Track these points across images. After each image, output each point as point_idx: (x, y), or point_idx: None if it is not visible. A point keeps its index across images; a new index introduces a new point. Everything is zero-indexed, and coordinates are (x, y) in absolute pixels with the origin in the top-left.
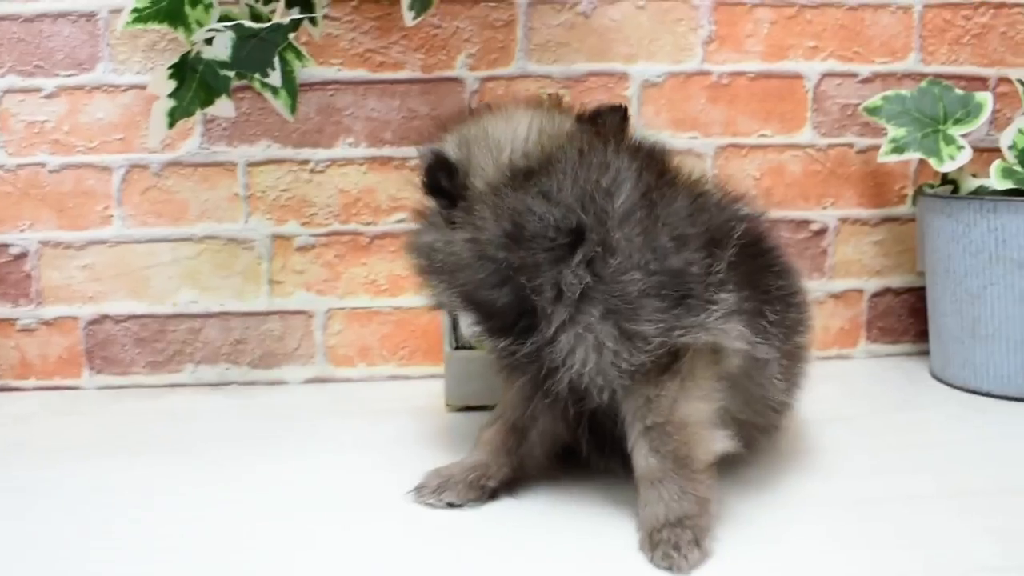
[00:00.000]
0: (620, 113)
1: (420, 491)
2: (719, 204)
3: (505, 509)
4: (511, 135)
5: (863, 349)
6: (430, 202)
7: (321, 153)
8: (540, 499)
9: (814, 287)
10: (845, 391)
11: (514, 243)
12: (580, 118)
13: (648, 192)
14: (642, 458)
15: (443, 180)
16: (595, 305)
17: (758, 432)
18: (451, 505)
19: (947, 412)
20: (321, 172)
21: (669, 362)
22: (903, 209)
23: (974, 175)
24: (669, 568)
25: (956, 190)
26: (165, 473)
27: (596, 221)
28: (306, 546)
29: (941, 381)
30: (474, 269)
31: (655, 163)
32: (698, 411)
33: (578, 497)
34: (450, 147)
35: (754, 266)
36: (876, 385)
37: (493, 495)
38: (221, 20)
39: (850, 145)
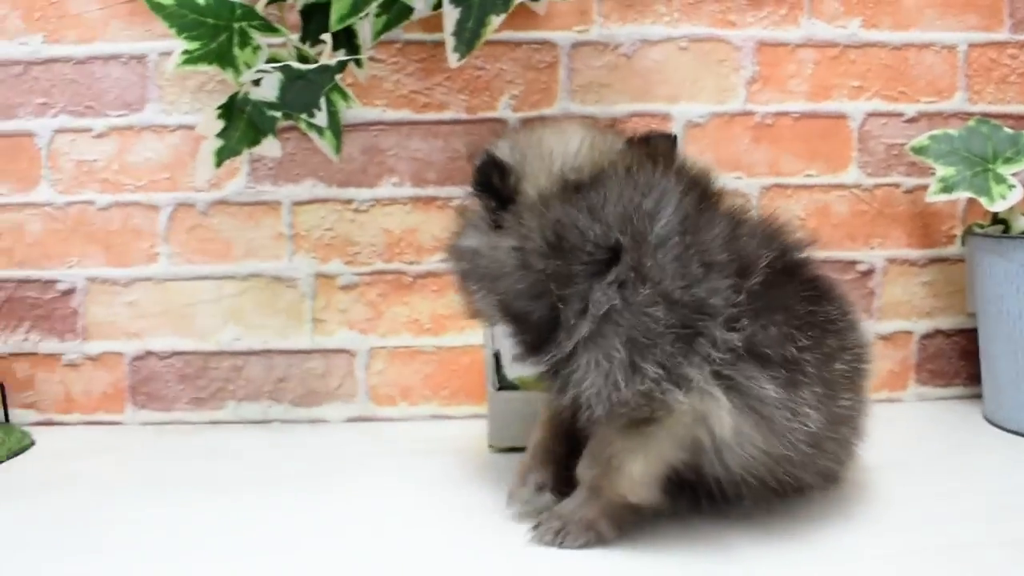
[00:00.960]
0: (670, 140)
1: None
2: (756, 232)
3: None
4: (563, 146)
5: (913, 392)
6: (476, 203)
7: (365, 193)
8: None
9: None
10: (894, 436)
11: (553, 253)
12: (631, 141)
13: (686, 218)
14: (581, 467)
15: (495, 178)
16: (617, 331)
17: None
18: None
19: (1000, 457)
20: (365, 212)
21: (644, 419)
22: (952, 249)
23: None
24: (531, 533)
25: (1007, 230)
26: (205, 510)
27: (633, 243)
28: None
29: (994, 425)
30: (515, 278)
31: (699, 187)
32: (637, 469)
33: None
34: (503, 150)
35: (783, 293)
36: (926, 429)
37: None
38: (269, 62)
39: (896, 185)
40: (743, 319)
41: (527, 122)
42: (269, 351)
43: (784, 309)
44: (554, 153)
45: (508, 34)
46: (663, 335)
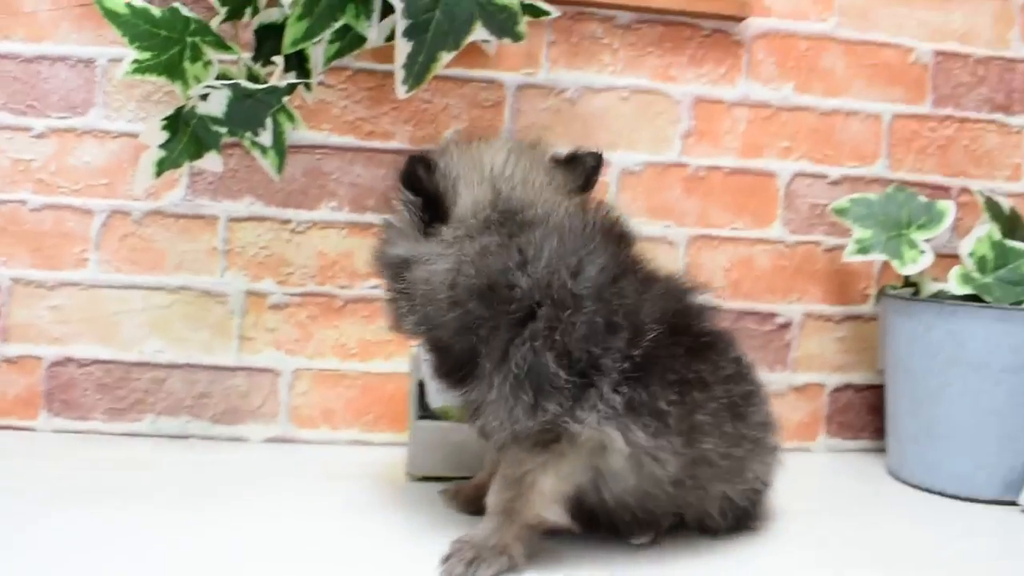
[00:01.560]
0: (595, 158)
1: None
2: (661, 291)
3: None
4: (492, 154)
5: (822, 443)
6: (404, 203)
7: (303, 214)
8: None
9: (776, 379)
10: (802, 484)
11: (483, 298)
12: (556, 160)
13: (603, 285)
14: (491, 493)
15: (421, 173)
16: (528, 380)
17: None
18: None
19: (900, 511)
20: (302, 233)
21: (551, 439)
22: (866, 308)
23: (935, 279)
24: (441, 566)
25: (917, 292)
26: (112, 521)
27: (552, 304)
28: None
29: (897, 479)
30: (446, 311)
31: (621, 247)
32: (548, 485)
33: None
34: (431, 152)
35: (664, 354)
36: (832, 480)
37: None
38: (219, 78)
39: (817, 243)
40: (624, 384)
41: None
42: (192, 365)
43: (660, 371)
44: (484, 159)
45: (457, 71)
46: (564, 387)
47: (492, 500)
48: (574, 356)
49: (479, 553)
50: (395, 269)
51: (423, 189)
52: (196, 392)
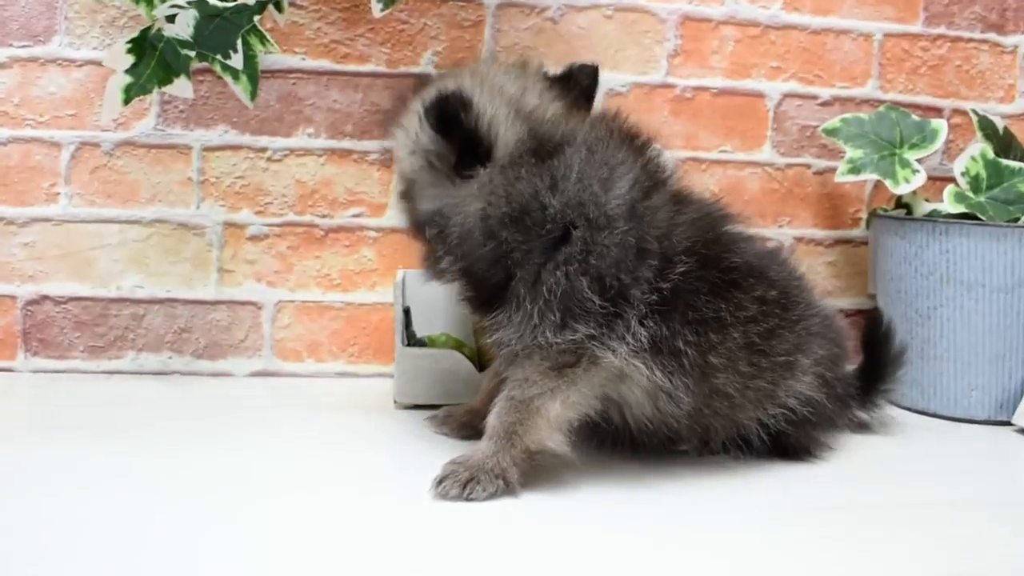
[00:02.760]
0: (591, 72)
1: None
2: (695, 216)
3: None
4: (512, 85)
5: None
6: (424, 159)
7: (279, 142)
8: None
9: None
10: None
11: (516, 225)
12: (552, 79)
13: (635, 202)
14: (493, 416)
15: (461, 113)
16: (557, 303)
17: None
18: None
19: (893, 430)
20: (278, 161)
21: (569, 361)
22: (857, 232)
23: (927, 200)
24: (434, 489)
25: (909, 214)
26: (98, 454)
27: (586, 223)
28: (236, 533)
29: (889, 401)
30: (480, 244)
31: (649, 163)
32: (554, 411)
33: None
34: (462, 84)
35: (690, 290)
36: None
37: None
38: None
39: (808, 166)
40: (650, 318)
41: (405, 95)
42: (172, 300)
43: (683, 308)
44: (507, 89)
45: None
46: (596, 312)
47: (493, 422)
48: (607, 282)
49: (474, 475)
50: (429, 222)
51: (461, 132)
52: (177, 327)
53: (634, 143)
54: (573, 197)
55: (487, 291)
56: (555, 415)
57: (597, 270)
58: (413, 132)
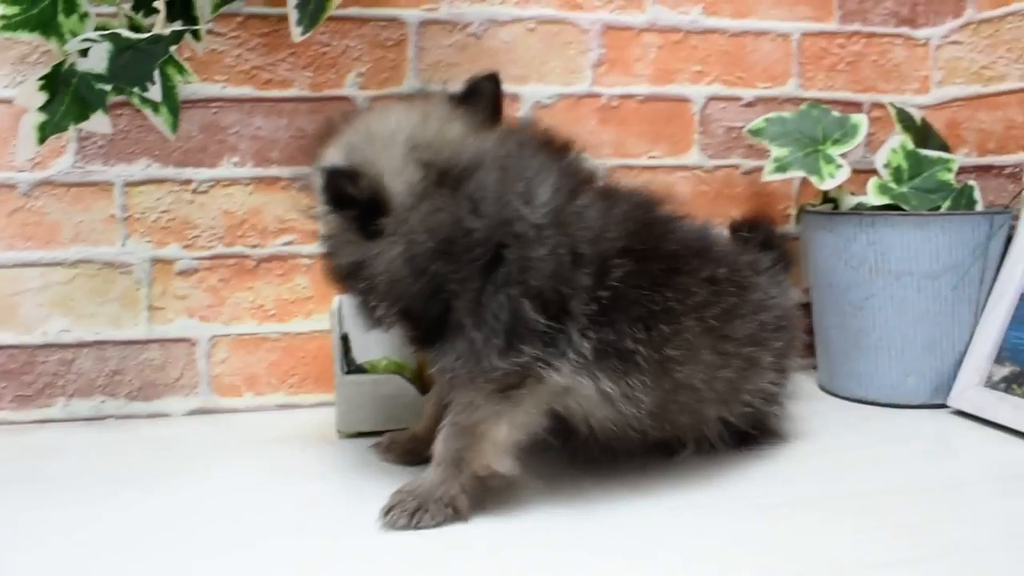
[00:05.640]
0: (493, 81)
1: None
2: (624, 208)
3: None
4: (398, 128)
5: None
6: (335, 220)
7: (204, 173)
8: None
9: None
10: None
11: (444, 256)
12: (456, 99)
13: (561, 207)
14: (439, 442)
15: (348, 188)
16: (506, 324)
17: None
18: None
19: (833, 422)
20: (204, 193)
21: (513, 382)
22: (787, 228)
23: (852, 193)
24: (382, 519)
25: (836, 208)
26: (34, 508)
27: (515, 240)
28: None
29: (829, 393)
30: (411, 283)
31: (568, 160)
32: (501, 434)
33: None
34: (338, 156)
35: (631, 288)
36: None
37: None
38: (97, 30)
39: (736, 166)
40: (592, 328)
41: (330, 122)
42: (102, 342)
43: (626, 307)
44: (393, 136)
45: (355, 10)
46: (541, 331)
47: (440, 449)
48: (547, 297)
49: (422, 503)
50: (351, 274)
51: (354, 202)
52: (108, 370)
53: (550, 148)
54: (496, 216)
55: (428, 326)
56: (502, 438)
57: (537, 288)
58: (317, 196)
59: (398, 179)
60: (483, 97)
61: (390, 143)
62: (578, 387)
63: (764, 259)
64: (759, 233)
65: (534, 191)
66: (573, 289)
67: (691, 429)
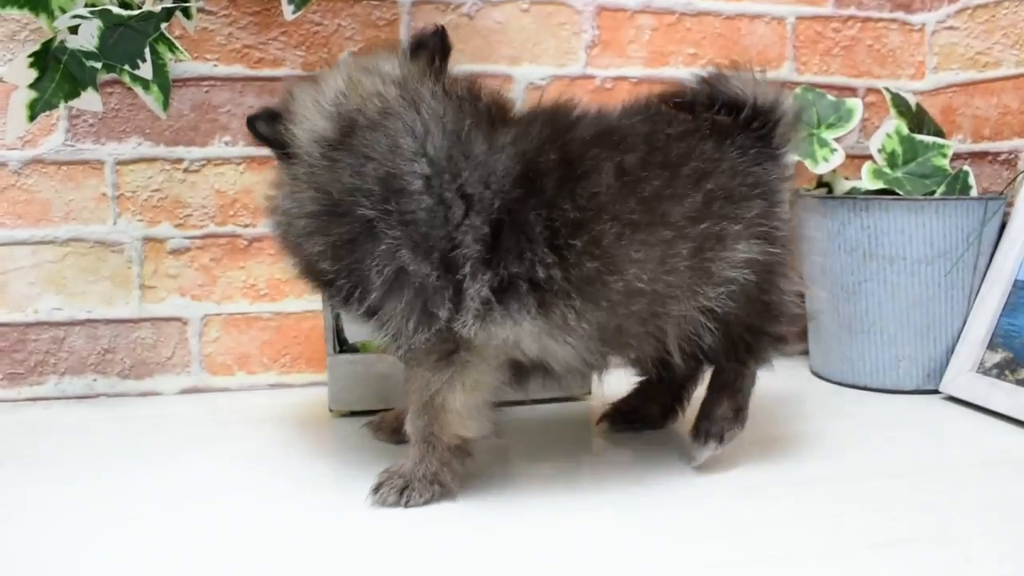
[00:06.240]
0: (437, 35)
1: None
2: (526, 133)
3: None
4: (329, 83)
5: None
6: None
7: (196, 152)
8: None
9: None
10: None
11: (334, 218)
12: (405, 55)
13: (448, 153)
14: (407, 422)
15: (261, 127)
16: (407, 286)
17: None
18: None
19: (825, 406)
20: (196, 171)
21: (451, 348)
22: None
23: (847, 178)
24: (371, 496)
25: (830, 192)
26: (23, 487)
27: (396, 195)
28: (175, 555)
29: (821, 378)
30: (305, 241)
31: (472, 105)
32: (459, 401)
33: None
34: (281, 101)
35: (528, 209)
36: (759, 383)
37: None
38: (87, 6)
39: None
40: (486, 269)
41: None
42: (93, 321)
43: (520, 235)
44: (323, 89)
45: None
46: (441, 288)
47: (410, 429)
48: (432, 247)
49: (408, 481)
50: (281, 223)
51: (265, 140)
52: (100, 348)
53: (457, 92)
54: (379, 166)
55: (337, 288)
56: (460, 404)
57: (416, 240)
58: None
59: (302, 126)
60: (427, 50)
61: (315, 94)
62: (504, 335)
63: (721, 123)
64: (711, 94)
65: (420, 140)
66: (462, 235)
67: (663, 333)
